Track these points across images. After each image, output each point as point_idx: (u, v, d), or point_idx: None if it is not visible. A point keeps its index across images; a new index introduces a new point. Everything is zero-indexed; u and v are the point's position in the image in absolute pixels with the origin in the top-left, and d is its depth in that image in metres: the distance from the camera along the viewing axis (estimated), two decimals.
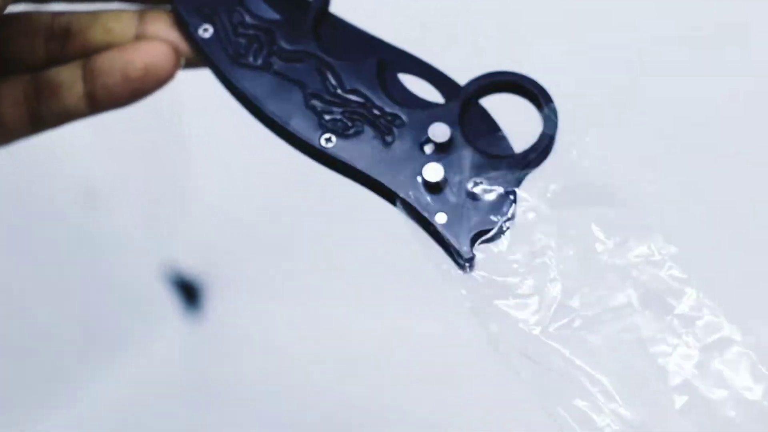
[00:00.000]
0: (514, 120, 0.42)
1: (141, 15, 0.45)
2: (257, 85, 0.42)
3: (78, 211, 0.78)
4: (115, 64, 0.44)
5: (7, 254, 0.74)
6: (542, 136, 0.41)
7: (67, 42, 0.45)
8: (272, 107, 0.42)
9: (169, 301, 0.83)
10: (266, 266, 0.84)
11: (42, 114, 0.44)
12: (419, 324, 0.80)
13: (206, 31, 0.43)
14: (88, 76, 0.44)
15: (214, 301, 0.84)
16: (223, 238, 0.83)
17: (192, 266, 0.84)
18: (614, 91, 0.73)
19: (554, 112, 0.41)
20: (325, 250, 0.82)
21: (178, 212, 0.82)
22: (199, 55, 0.44)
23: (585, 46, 0.74)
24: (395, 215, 0.41)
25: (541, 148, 0.41)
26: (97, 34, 0.45)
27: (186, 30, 0.43)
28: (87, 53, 0.45)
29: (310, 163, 0.43)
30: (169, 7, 0.45)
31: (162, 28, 0.45)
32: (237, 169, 0.82)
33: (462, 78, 0.43)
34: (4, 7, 0.40)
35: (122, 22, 0.45)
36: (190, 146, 0.80)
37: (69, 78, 0.44)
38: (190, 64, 0.45)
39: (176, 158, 0.80)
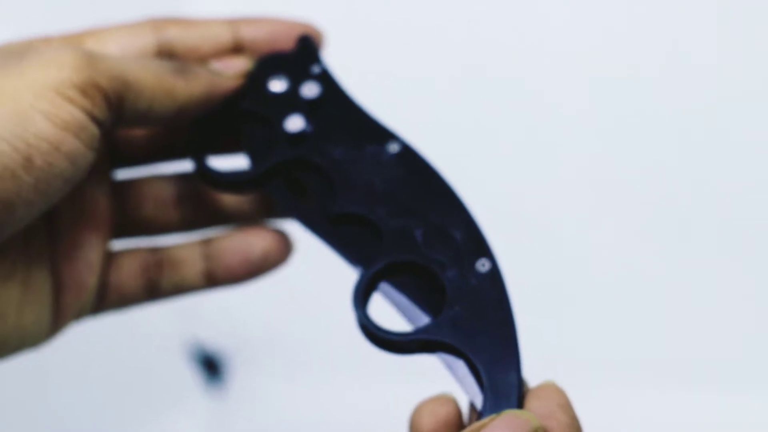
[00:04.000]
0: None
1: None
2: None
3: None
4: (237, 247, 0.47)
5: None
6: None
7: (198, 205, 0.49)
8: None
9: (192, 376, 0.84)
10: (288, 340, 0.85)
11: (160, 285, 0.48)
12: None
13: None
14: (210, 256, 0.48)
15: (236, 375, 0.85)
16: (245, 313, 0.85)
17: (214, 341, 0.85)
18: None
19: None
20: (348, 323, 0.82)
21: None
22: None
23: None
24: None
25: None
26: (227, 198, 0.49)
27: None
28: (218, 218, 0.49)
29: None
30: None
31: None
32: None
33: None
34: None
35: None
36: None
37: (190, 255, 0.48)
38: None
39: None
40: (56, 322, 0.45)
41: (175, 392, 0.83)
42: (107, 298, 0.47)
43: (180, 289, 0.48)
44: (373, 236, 0.44)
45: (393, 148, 0.45)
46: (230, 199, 0.49)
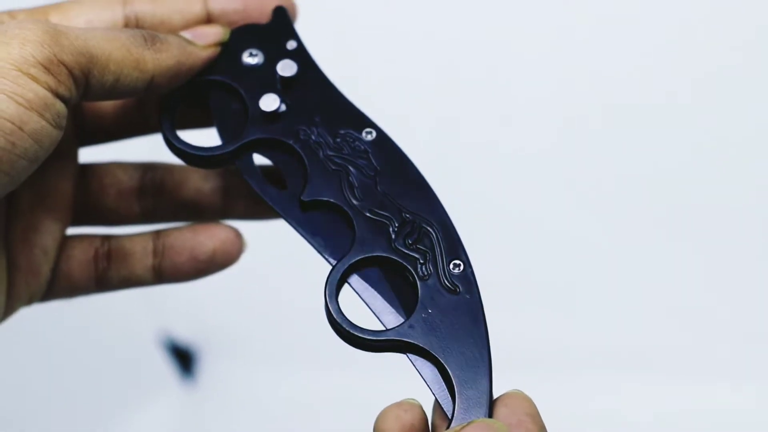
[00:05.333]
0: None
1: (225, 175, 0.47)
2: None
3: None
4: (185, 244, 0.46)
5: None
6: None
7: (160, 198, 0.47)
8: None
9: (165, 368, 0.86)
10: (257, 331, 0.86)
11: (109, 277, 0.46)
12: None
13: None
14: (158, 251, 0.46)
15: (207, 365, 0.86)
16: (215, 305, 0.86)
17: (186, 333, 0.87)
18: None
19: None
20: (314, 314, 0.84)
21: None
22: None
23: None
24: None
25: None
26: (188, 193, 0.47)
27: None
28: (176, 211, 0.47)
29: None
30: None
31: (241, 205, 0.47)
32: None
33: None
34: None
35: (210, 183, 0.47)
36: None
37: (141, 249, 0.46)
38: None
39: None
40: (8, 304, 0.44)
41: (149, 384, 0.85)
42: (56, 286, 0.46)
43: (128, 282, 0.46)
44: (345, 225, 0.43)
45: (369, 135, 0.44)
46: (192, 194, 0.47)
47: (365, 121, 0.44)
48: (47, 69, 0.39)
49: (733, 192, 0.80)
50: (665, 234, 0.81)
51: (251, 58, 0.45)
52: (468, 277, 0.41)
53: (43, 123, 0.39)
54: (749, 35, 0.79)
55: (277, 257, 0.84)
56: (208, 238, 0.45)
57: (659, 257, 0.82)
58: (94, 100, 0.43)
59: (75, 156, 0.46)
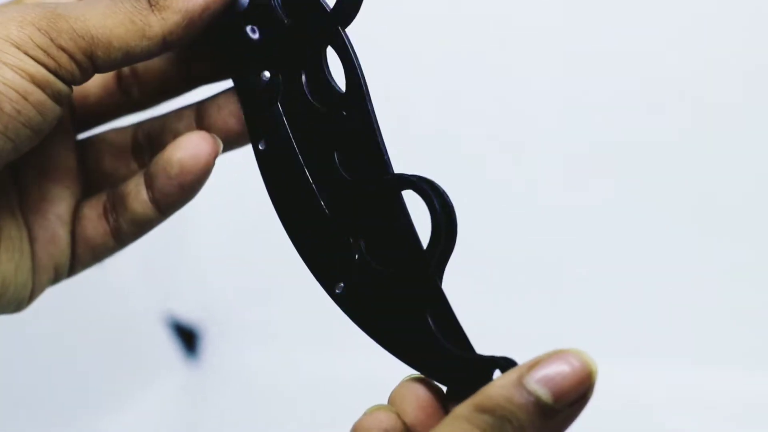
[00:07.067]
0: None
1: (198, 109, 0.46)
2: None
3: None
4: (158, 166, 0.44)
5: None
6: None
7: (154, 151, 0.46)
8: None
9: (169, 347, 0.86)
10: (261, 311, 0.87)
11: (121, 226, 0.45)
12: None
13: None
14: (149, 184, 0.45)
15: (211, 345, 0.87)
16: (220, 286, 0.87)
17: (190, 313, 0.87)
18: None
19: None
20: (318, 295, 0.84)
21: (177, 263, 0.86)
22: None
23: None
24: None
25: None
26: (168, 139, 0.46)
27: None
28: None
29: None
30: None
31: (218, 116, 0.45)
32: (232, 220, 0.86)
33: None
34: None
35: (184, 121, 0.46)
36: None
37: (134, 188, 0.45)
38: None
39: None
40: (36, 276, 0.44)
41: (153, 363, 0.85)
42: (78, 253, 0.45)
43: (137, 225, 0.45)
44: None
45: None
46: (169, 136, 0.46)
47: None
48: (46, 53, 0.39)
49: (733, 174, 0.80)
50: (667, 218, 0.81)
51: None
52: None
53: (45, 97, 0.40)
54: None
55: (283, 238, 0.85)
56: (174, 150, 0.44)
57: (659, 240, 0.82)
58: (112, 70, 0.42)
59: (72, 132, 0.46)
